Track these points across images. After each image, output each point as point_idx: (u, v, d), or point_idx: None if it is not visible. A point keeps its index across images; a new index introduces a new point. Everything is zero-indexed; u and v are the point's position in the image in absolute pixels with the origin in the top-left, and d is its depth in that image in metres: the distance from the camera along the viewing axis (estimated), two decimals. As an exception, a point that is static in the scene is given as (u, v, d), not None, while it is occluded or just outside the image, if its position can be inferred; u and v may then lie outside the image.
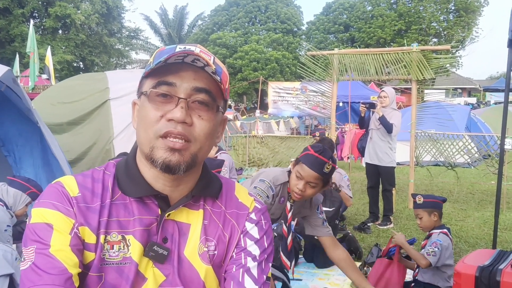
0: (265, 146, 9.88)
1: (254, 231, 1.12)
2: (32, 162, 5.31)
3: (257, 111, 18.43)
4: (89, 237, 0.97)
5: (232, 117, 22.48)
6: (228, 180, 1.20)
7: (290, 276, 4.16)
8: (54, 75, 16.75)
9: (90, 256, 0.97)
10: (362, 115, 6.26)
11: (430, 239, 3.37)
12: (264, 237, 1.13)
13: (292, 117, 20.28)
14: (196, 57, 0.95)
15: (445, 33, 37.56)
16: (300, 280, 4.11)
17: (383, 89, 6.37)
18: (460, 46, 37.49)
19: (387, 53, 7.47)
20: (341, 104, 17.43)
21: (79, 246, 0.96)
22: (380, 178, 6.22)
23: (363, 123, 6.35)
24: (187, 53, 0.94)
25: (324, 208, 4.35)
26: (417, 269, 3.48)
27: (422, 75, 7.07)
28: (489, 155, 8.37)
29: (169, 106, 0.97)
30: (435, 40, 38.24)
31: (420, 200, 3.44)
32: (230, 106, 36.66)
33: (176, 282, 1.01)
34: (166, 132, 0.96)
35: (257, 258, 1.09)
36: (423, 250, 3.32)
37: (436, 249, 3.18)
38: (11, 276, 2.90)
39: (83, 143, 6.21)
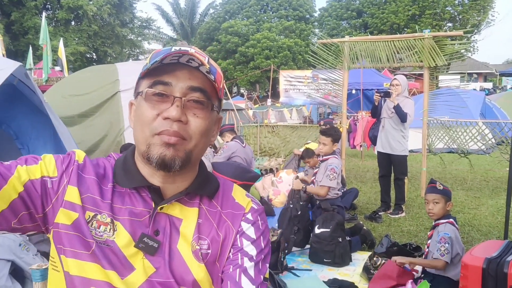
0: (276, 135, 9.86)
1: (250, 231, 1.12)
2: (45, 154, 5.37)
3: (269, 100, 18.37)
4: (75, 198, 1.01)
5: (245, 106, 22.48)
6: (226, 181, 1.21)
7: (300, 266, 4.19)
8: (67, 67, 16.86)
9: (73, 215, 1.01)
10: (376, 103, 6.18)
11: (437, 232, 3.34)
12: (261, 237, 1.13)
13: (304, 105, 20.20)
14: (191, 57, 0.97)
15: (460, 17, 36.92)
16: (310, 270, 4.11)
17: (395, 77, 6.28)
18: (475, 31, 36.91)
19: (398, 40, 7.36)
20: (353, 91, 17.28)
21: (35, 190, 1.00)
22: (392, 167, 6.17)
23: (376, 112, 6.27)
24: (182, 53, 0.96)
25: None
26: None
27: (434, 61, 6.96)
28: (503, 142, 8.26)
29: (165, 105, 0.99)
30: (449, 24, 37.63)
31: (440, 186, 3.43)
32: (242, 95, 36.60)
33: (167, 275, 1.02)
34: (162, 131, 0.98)
35: (254, 258, 1.09)
36: (434, 250, 3.29)
37: (447, 244, 3.17)
38: (16, 265, 2.95)
39: (94, 135, 6.26)
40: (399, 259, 3.36)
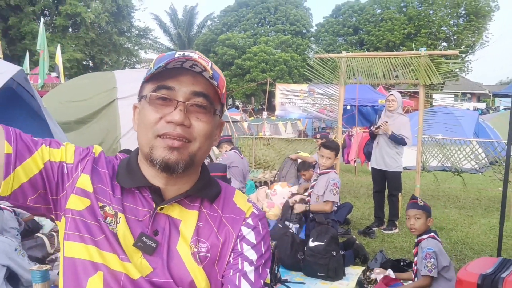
0: (271, 148, 9.87)
1: (250, 236, 1.12)
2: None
3: (264, 113, 18.42)
4: (87, 185, 1.05)
5: (240, 118, 22.51)
6: (228, 186, 1.22)
7: (294, 279, 4.18)
8: (63, 74, 16.84)
9: (86, 202, 1.04)
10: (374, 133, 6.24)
11: (420, 248, 3.37)
12: (261, 242, 1.13)
13: (300, 119, 20.27)
14: (194, 63, 0.99)
15: (455, 37, 37.38)
16: (304, 283, 4.10)
17: (391, 93, 6.35)
18: (469, 51, 37.32)
19: (395, 57, 7.43)
20: (348, 107, 17.36)
21: (53, 172, 1.04)
22: (386, 183, 6.19)
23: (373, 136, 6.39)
24: (186, 59, 0.99)
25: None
26: (415, 278, 3.47)
27: (430, 79, 7.03)
28: (497, 161, 8.32)
29: (168, 109, 1.01)
30: (444, 44, 38.04)
31: (421, 202, 3.50)
32: (237, 107, 36.67)
33: (165, 275, 1.03)
34: (164, 133, 1.00)
35: (254, 262, 1.09)
36: (421, 267, 3.30)
37: (433, 260, 3.21)
38: (11, 270, 2.92)
39: (90, 142, 6.19)
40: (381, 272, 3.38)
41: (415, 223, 3.40)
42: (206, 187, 1.13)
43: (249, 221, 1.14)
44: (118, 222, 1.03)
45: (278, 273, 4.04)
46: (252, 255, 1.10)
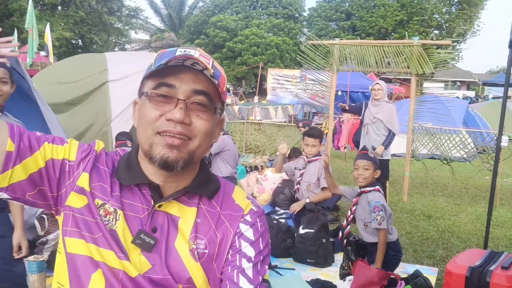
0: (262, 133, 9.86)
1: (249, 232, 1.12)
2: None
3: (256, 97, 18.37)
4: (86, 184, 1.06)
5: (230, 101, 22.44)
6: (227, 182, 1.22)
7: (283, 265, 4.22)
8: (52, 52, 16.62)
9: (84, 200, 1.05)
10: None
11: (366, 201, 3.40)
12: (260, 239, 1.13)
13: (291, 104, 20.26)
14: (195, 61, 0.99)
15: (446, 25, 37.40)
16: (293, 269, 4.15)
17: (377, 81, 6.35)
18: (461, 39, 37.42)
19: (388, 46, 7.44)
20: (339, 93, 17.32)
21: (54, 170, 1.05)
22: None
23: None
24: (187, 57, 0.98)
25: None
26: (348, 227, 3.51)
27: (422, 69, 7.06)
28: (485, 150, 8.41)
29: (169, 106, 1.01)
30: (436, 32, 38.10)
31: (371, 154, 3.57)
32: (228, 90, 36.52)
33: (164, 272, 1.03)
34: (164, 130, 1.00)
35: (252, 259, 1.09)
36: (367, 219, 3.37)
37: (381, 212, 3.28)
38: None
39: (80, 124, 6.19)
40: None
41: (364, 173, 3.42)
42: (205, 184, 1.13)
43: (248, 217, 1.14)
44: (118, 219, 1.04)
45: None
46: (250, 251, 1.10)
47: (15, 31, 15.77)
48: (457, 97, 30.78)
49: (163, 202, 1.07)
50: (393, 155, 13.54)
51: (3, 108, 2.77)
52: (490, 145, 8.28)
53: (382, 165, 6.12)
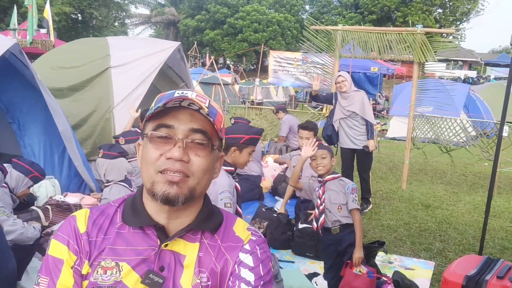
0: (263, 118, 9.88)
1: (248, 260, 1.15)
2: (35, 129, 5.35)
3: (257, 79, 18.29)
4: (87, 269, 1.11)
5: (231, 80, 22.36)
6: (230, 214, 1.26)
7: (283, 258, 4.30)
8: (53, 30, 16.45)
9: (84, 284, 1.11)
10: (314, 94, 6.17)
11: (341, 185, 3.45)
12: (260, 265, 1.16)
13: (292, 87, 20.22)
14: (191, 102, 1.05)
15: (450, 4, 37.01)
16: (293, 262, 4.24)
17: (339, 73, 6.03)
18: (464, 18, 37.05)
19: (391, 33, 7.41)
20: (341, 73, 17.34)
21: (78, 280, 1.10)
22: (357, 162, 6.09)
23: (321, 100, 6.57)
24: (184, 98, 1.05)
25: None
26: (322, 216, 3.52)
27: (425, 57, 7.05)
28: (485, 133, 8.42)
29: (168, 146, 1.07)
30: (439, 11, 37.71)
31: (325, 143, 3.75)
32: (229, 67, 36.31)
33: None
34: (165, 169, 1.06)
35: (252, 283, 1.12)
36: (341, 201, 3.41)
37: (356, 193, 3.44)
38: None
39: (83, 110, 6.20)
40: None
41: (322, 161, 3.49)
42: (208, 219, 1.17)
43: (247, 247, 1.17)
44: (121, 269, 1.10)
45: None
46: (249, 276, 1.13)
47: (15, 8, 15.54)
48: (459, 77, 30.68)
49: (169, 242, 1.12)
50: (393, 138, 13.68)
51: None
52: (491, 134, 8.32)
53: (365, 155, 6.03)
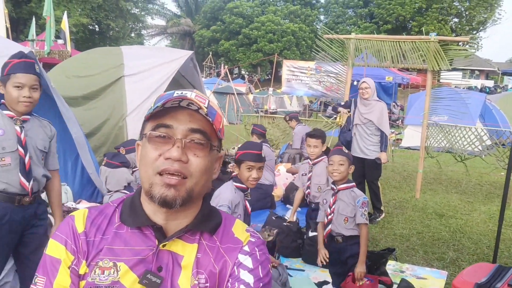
0: (276, 126, 9.87)
1: (247, 261, 1.15)
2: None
3: (270, 89, 18.32)
4: (85, 269, 1.11)
5: (245, 90, 22.42)
6: (228, 216, 1.26)
7: (293, 266, 4.28)
8: (69, 39, 16.74)
9: (82, 284, 1.11)
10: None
11: (350, 196, 3.38)
12: (260, 267, 1.16)
13: (306, 96, 20.20)
14: (190, 101, 1.05)
15: (466, 13, 36.74)
16: (303, 270, 4.21)
17: (363, 80, 6.04)
18: (481, 28, 36.75)
19: (404, 41, 7.38)
20: (355, 83, 17.24)
21: (75, 280, 1.11)
22: (365, 171, 5.98)
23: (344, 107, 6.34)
24: (183, 98, 1.05)
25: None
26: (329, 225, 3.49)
27: (439, 65, 6.99)
28: (497, 144, 8.30)
29: (167, 146, 1.07)
30: (455, 20, 37.46)
31: (345, 150, 3.59)
32: (243, 77, 36.45)
33: None
34: (163, 169, 1.06)
35: (251, 285, 1.12)
36: (350, 214, 3.35)
37: (367, 208, 3.36)
38: None
39: (96, 118, 6.27)
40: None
41: (339, 168, 3.43)
42: (206, 220, 1.17)
43: (246, 248, 1.17)
44: (118, 269, 1.10)
45: (279, 260, 4.14)
46: (248, 278, 1.13)
47: (33, 19, 15.86)
48: (475, 87, 30.35)
49: (167, 242, 1.12)
50: (408, 148, 13.56)
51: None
52: (507, 144, 8.20)
53: (375, 165, 5.97)
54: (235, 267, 1.14)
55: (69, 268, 1.10)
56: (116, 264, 1.10)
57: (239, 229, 1.21)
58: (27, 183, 2.63)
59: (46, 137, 2.82)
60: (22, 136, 2.64)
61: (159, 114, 1.08)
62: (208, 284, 1.12)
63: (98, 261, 1.10)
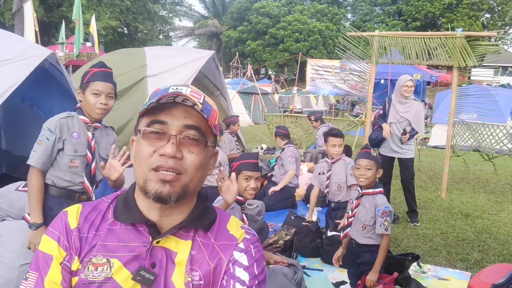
0: (299, 126, 9.81)
1: (243, 259, 1.15)
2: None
3: (294, 88, 18.26)
4: (77, 265, 1.11)
5: (271, 90, 22.42)
6: (223, 212, 1.25)
7: (312, 266, 4.24)
8: (98, 41, 17.07)
9: (74, 280, 1.11)
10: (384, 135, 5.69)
11: (372, 203, 3.29)
12: (255, 264, 1.15)
13: (330, 95, 20.05)
14: (186, 97, 1.04)
15: (499, 8, 35.78)
16: (321, 270, 4.17)
17: (410, 78, 5.88)
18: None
19: (429, 37, 7.24)
20: (382, 81, 17.01)
21: (67, 277, 1.11)
22: (400, 171, 5.85)
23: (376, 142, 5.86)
24: (178, 94, 1.04)
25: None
26: (348, 228, 3.44)
27: (465, 62, 6.83)
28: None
29: (161, 142, 1.06)
30: (487, 16, 36.52)
31: (374, 153, 3.45)
32: (270, 78, 36.44)
33: None
34: (158, 166, 1.05)
35: (246, 283, 1.12)
36: (370, 222, 3.27)
37: (388, 217, 3.19)
38: None
39: (120, 119, 6.35)
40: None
41: (366, 173, 3.33)
42: (201, 217, 1.17)
43: (241, 245, 1.16)
44: (112, 266, 1.09)
45: (297, 259, 4.11)
46: (244, 276, 1.13)
47: (63, 23, 16.26)
48: (508, 84, 29.51)
49: (161, 239, 1.11)
50: (435, 147, 13.29)
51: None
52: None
53: (408, 164, 5.80)
54: (230, 264, 1.14)
55: (60, 264, 1.10)
56: (110, 260, 1.09)
57: (234, 226, 1.21)
58: (90, 187, 2.78)
59: (109, 145, 2.90)
60: (93, 142, 2.76)
61: (154, 110, 1.07)
62: (202, 282, 1.11)
63: (92, 257, 1.10)
